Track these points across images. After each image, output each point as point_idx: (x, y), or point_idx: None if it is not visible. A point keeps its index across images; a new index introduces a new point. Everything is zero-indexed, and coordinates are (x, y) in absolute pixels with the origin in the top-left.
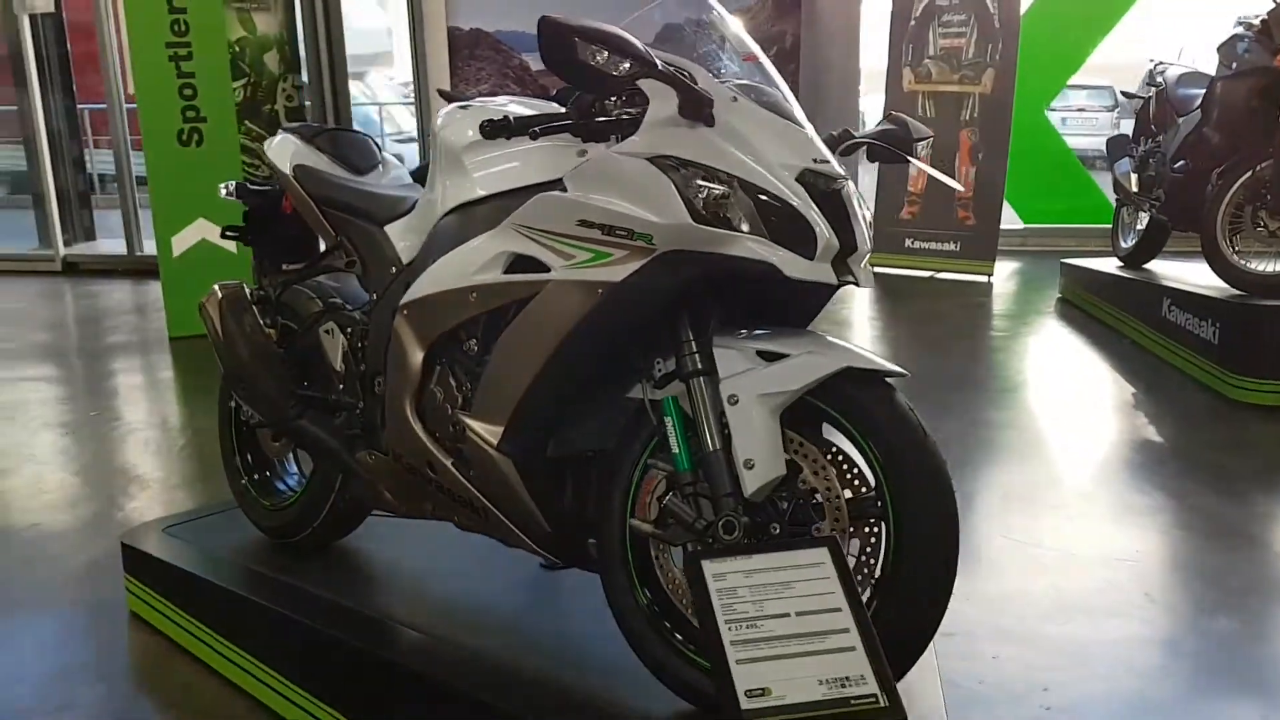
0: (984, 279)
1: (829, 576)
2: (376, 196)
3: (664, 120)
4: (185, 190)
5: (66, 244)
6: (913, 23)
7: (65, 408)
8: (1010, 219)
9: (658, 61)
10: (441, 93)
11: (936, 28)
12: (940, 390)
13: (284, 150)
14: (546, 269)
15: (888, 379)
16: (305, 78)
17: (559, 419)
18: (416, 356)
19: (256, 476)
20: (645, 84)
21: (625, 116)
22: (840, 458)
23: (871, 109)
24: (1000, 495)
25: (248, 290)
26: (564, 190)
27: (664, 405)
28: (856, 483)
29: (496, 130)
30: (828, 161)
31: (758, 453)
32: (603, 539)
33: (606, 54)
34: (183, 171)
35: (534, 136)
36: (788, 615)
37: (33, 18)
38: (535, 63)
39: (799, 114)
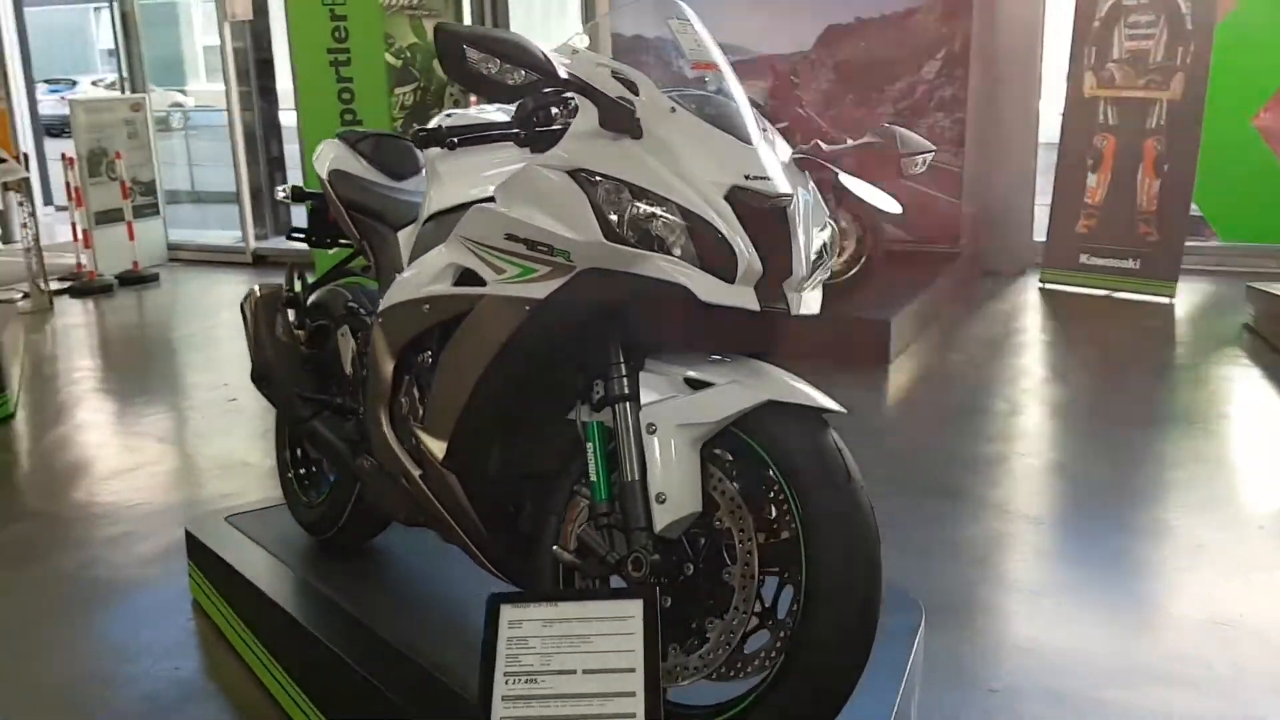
0: (1165, 300)
1: (633, 633)
2: (396, 202)
3: (587, 132)
4: None
5: (259, 238)
6: (1097, 23)
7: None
8: (1200, 235)
9: (560, 71)
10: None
11: (1123, 29)
12: (1096, 421)
13: (325, 155)
14: (484, 283)
15: (825, 414)
16: None
17: (498, 437)
18: (387, 366)
19: (301, 471)
20: (576, 94)
21: (566, 125)
22: (774, 498)
23: (1050, 115)
24: (1122, 541)
25: (284, 292)
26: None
27: (587, 430)
28: (776, 526)
29: (428, 140)
30: (765, 178)
31: (671, 486)
32: (534, 564)
33: (498, 64)
34: None
35: (450, 147)
36: (574, 673)
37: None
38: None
39: (749, 127)
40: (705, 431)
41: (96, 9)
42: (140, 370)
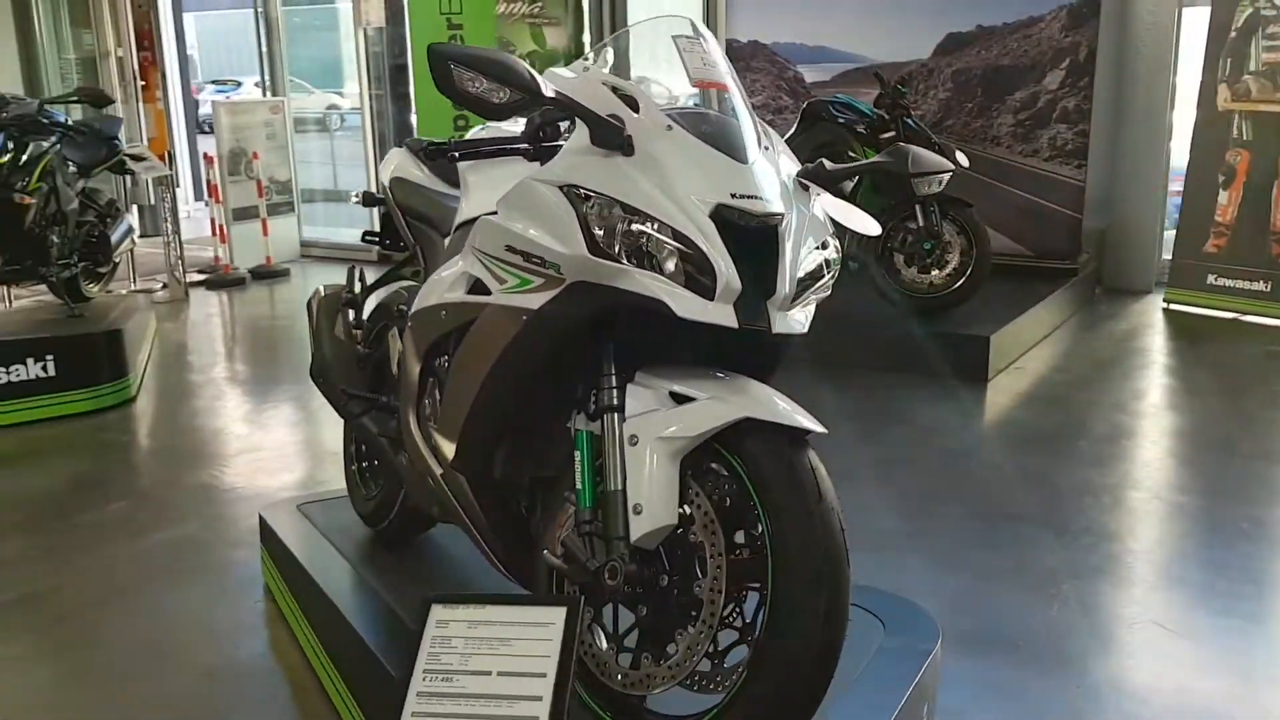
0: None
1: (551, 639)
2: (447, 209)
3: (580, 148)
4: None
5: None
6: (1233, 34)
7: None
8: None
9: (544, 89)
10: None
11: (1260, 40)
12: (1208, 451)
13: (390, 162)
14: (489, 292)
15: (807, 434)
16: None
17: (502, 441)
18: (414, 368)
19: (363, 465)
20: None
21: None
22: (750, 515)
23: (1182, 129)
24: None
25: (346, 293)
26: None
27: (577, 439)
28: (748, 542)
29: (434, 152)
30: (753, 196)
31: (648, 498)
32: (534, 566)
33: (483, 82)
34: None
35: (451, 159)
36: (489, 674)
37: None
38: (810, 74)
39: (748, 145)
40: (683, 445)
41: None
42: (262, 360)
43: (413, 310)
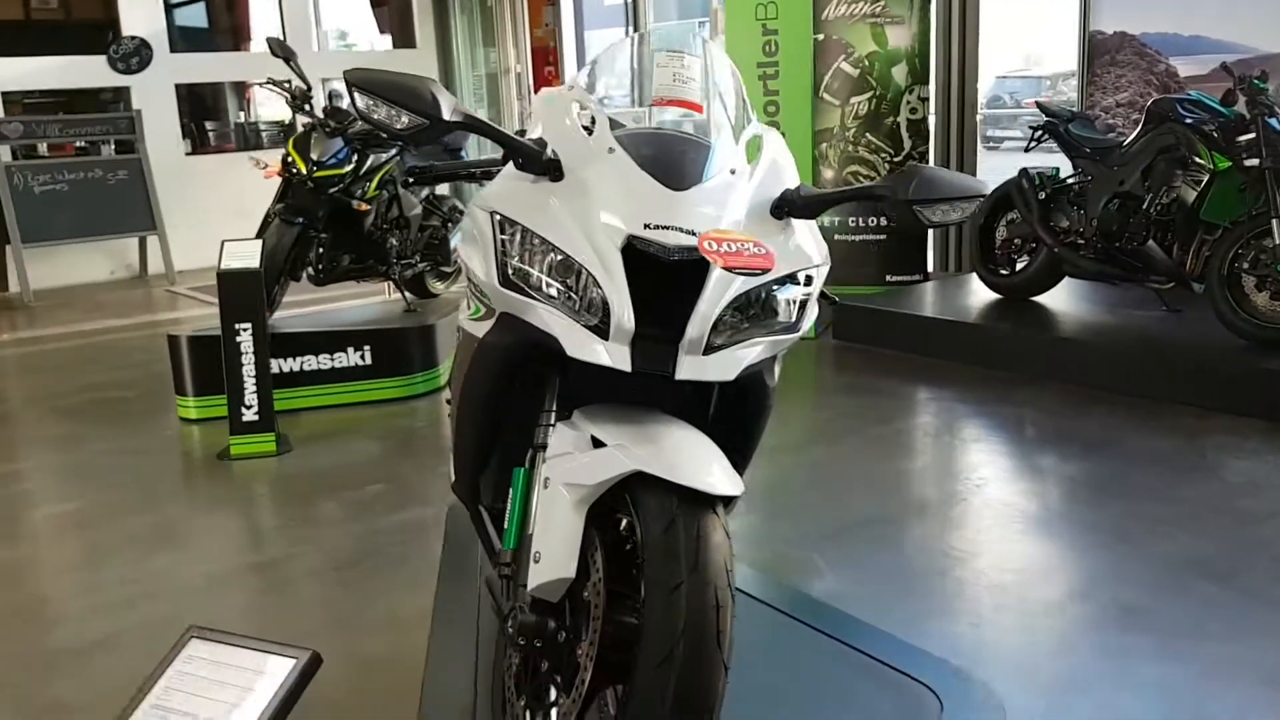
0: None
1: (267, 692)
2: None
3: (512, 172)
4: None
5: None
6: None
7: None
8: None
9: (445, 114)
10: None
11: None
12: None
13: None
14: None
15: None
16: (931, 89)
17: (484, 469)
18: (460, 383)
19: None
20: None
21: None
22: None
23: None
24: None
25: None
26: None
27: (514, 476)
28: (628, 608)
29: (418, 176)
30: (672, 228)
31: (547, 547)
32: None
33: (384, 108)
34: None
35: (405, 184)
36: (195, 716)
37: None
38: (1185, 67)
39: (691, 170)
40: (586, 494)
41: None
42: None
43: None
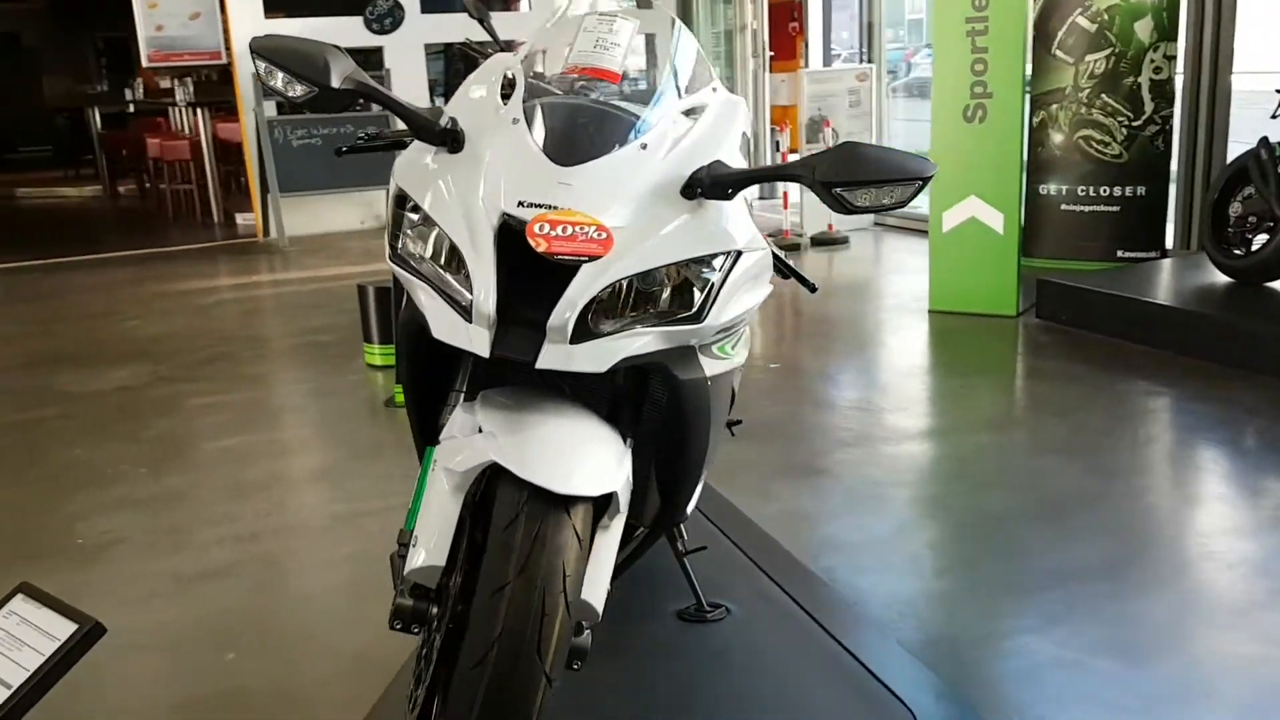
0: None
1: (41, 652)
2: None
3: (419, 144)
4: (963, 166)
5: None
6: None
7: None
8: None
9: (334, 82)
10: None
11: None
12: None
13: None
14: None
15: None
16: (1181, 47)
17: (429, 444)
18: None
19: None
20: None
21: None
22: None
23: None
24: None
25: None
26: None
27: (425, 455)
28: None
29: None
30: (547, 205)
31: (423, 531)
32: None
33: (279, 75)
34: (963, 147)
35: (338, 154)
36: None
37: None
38: None
39: (582, 144)
40: (457, 482)
41: None
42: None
43: None
